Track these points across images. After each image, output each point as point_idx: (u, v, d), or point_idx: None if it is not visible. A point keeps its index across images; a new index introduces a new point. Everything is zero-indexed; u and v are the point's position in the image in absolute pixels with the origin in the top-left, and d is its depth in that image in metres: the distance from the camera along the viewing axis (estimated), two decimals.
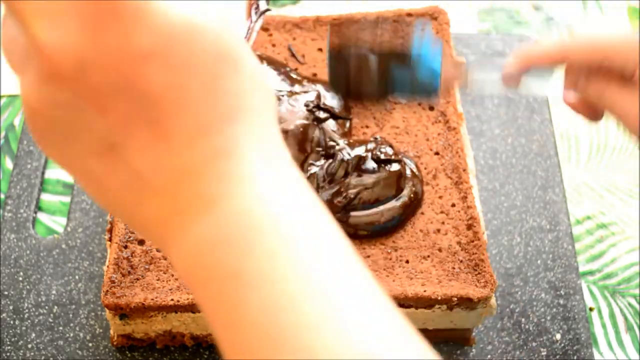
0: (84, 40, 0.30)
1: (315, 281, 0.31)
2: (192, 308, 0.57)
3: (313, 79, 0.67)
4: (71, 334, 0.62)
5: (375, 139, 0.63)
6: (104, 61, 0.30)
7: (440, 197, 0.62)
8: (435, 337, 0.61)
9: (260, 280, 0.31)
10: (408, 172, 0.62)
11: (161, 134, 0.31)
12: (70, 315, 0.62)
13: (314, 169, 0.62)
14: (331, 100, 0.65)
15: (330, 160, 0.62)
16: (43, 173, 0.71)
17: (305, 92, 0.65)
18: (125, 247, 0.59)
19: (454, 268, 0.58)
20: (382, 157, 0.61)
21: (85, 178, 0.34)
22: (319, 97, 0.65)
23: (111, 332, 0.61)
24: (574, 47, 0.53)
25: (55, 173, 0.72)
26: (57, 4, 0.30)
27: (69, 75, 0.30)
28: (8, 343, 0.61)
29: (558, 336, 0.63)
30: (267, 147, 0.33)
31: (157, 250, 0.59)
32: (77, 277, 0.64)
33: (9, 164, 0.72)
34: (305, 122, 0.63)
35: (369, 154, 0.62)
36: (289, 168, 0.34)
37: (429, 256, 0.59)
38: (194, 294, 0.33)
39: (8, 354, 0.60)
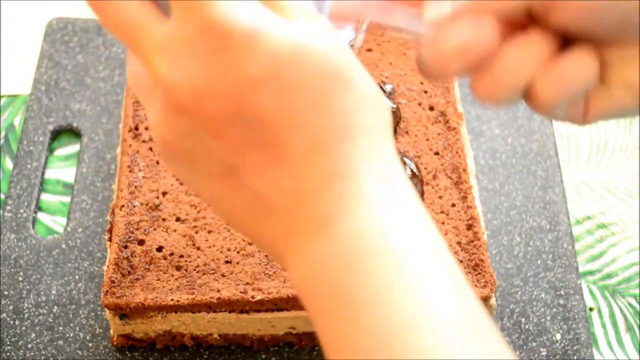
0: (198, 73, 0.32)
1: (428, 307, 0.31)
2: (192, 308, 0.57)
3: None
4: (71, 334, 0.62)
5: None
6: (216, 91, 0.32)
7: (440, 197, 0.62)
8: None
9: (374, 305, 0.31)
10: (408, 172, 0.62)
11: (276, 156, 0.33)
12: (70, 315, 0.62)
13: None
14: None
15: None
16: (43, 173, 0.71)
17: None
18: (125, 247, 0.59)
19: None
20: None
21: (211, 199, 0.36)
22: None
23: (111, 332, 0.61)
24: None
25: (55, 173, 0.72)
26: (173, 41, 0.32)
27: (187, 107, 0.32)
28: (8, 343, 0.61)
29: (558, 336, 0.63)
30: (381, 166, 0.34)
31: (157, 250, 0.59)
32: (77, 277, 0.64)
33: (9, 164, 0.72)
34: None
35: None
36: (404, 187, 0.35)
37: None
38: (309, 312, 0.34)
39: (8, 354, 0.60)
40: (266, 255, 0.58)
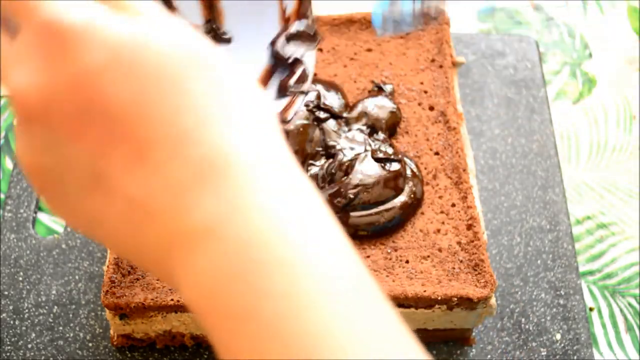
0: (42, 76, 0.30)
1: (335, 326, 0.29)
2: None
3: (313, 79, 0.67)
4: (71, 334, 0.62)
5: (377, 138, 0.63)
6: (61, 89, 0.30)
7: (440, 197, 0.62)
8: (435, 337, 0.61)
9: (277, 324, 0.28)
10: (408, 172, 0.62)
11: (138, 153, 0.30)
12: (70, 315, 0.62)
13: (314, 169, 0.62)
14: (331, 100, 0.65)
15: (330, 160, 0.62)
16: None
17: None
18: None
19: (454, 268, 0.58)
20: (382, 156, 0.62)
21: (88, 223, 0.32)
22: (319, 97, 0.65)
23: (111, 332, 0.61)
24: None
25: None
26: (19, 51, 0.30)
27: (37, 113, 0.30)
28: (8, 343, 0.61)
29: (558, 336, 0.63)
30: (261, 147, 0.31)
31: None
32: (77, 277, 0.64)
33: (9, 164, 0.72)
34: (305, 122, 0.63)
35: (369, 154, 0.62)
36: (288, 168, 0.31)
37: (429, 256, 0.59)
38: (206, 327, 0.31)
39: (8, 354, 0.60)
40: None
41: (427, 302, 0.57)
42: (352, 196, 0.60)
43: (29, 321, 0.62)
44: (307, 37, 0.52)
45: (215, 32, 0.52)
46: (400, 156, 0.62)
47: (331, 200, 0.60)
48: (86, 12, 0.30)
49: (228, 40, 0.52)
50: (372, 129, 0.64)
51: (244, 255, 0.29)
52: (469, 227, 0.60)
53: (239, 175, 0.30)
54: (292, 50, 0.51)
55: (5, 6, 0.31)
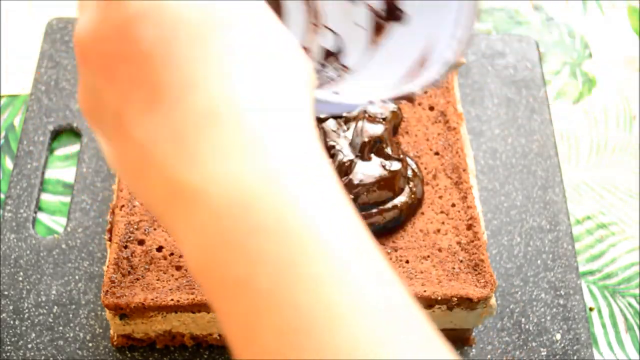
0: (94, 18, 0.32)
1: (348, 295, 0.27)
2: (192, 308, 0.57)
3: None
4: (71, 334, 0.62)
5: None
6: (105, 32, 0.31)
7: (440, 197, 0.62)
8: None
9: (276, 295, 0.27)
10: (409, 172, 0.62)
11: (154, 96, 0.30)
12: (70, 315, 0.62)
13: None
14: None
15: (330, 160, 0.62)
16: (43, 173, 0.71)
17: None
18: (125, 247, 0.59)
19: (454, 268, 0.58)
20: (384, 156, 0.62)
21: (119, 163, 0.33)
22: None
23: (111, 332, 0.61)
24: None
25: (55, 173, 0.72)
26: None
27: (84, 54, 0.32)
28: (8, 343, 0.61)
29: (558, 336, 0.63)
30: (281, 114, 0.29)
31: (157, 250, 0.59)
32: (77, 277, 0.64)
33: (9, 164, 0.72)
34: None
35: (369, 154, 0.61)
36: (312, 145, 0.29)
37: (429, 256, 0.59)
38: (204, 293, 0.30)
39: (8, 354, 0.60)
40: None
41: (427, 302, 0.57)
42: (352, 197, 0.60)
43: (29, 321, 0.62)
44: None
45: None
46: (401, 156, 0.62)
47: None
48: None
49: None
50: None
51: (242, 217, 0.27)
52: (469, 227, 0.60)
53: (248, 134, 0.28)
54: None
55: None
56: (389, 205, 0.60)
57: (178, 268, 0.58)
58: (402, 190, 0.61)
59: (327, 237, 0.27)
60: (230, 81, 0.29)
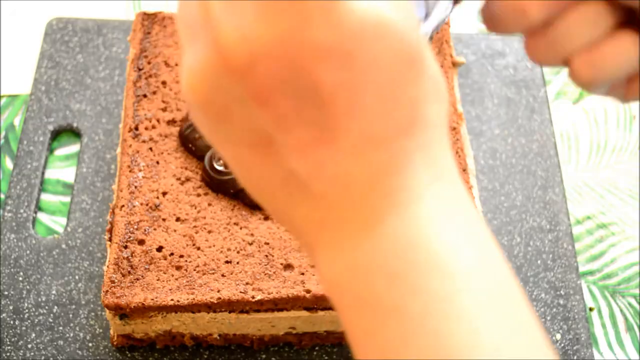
0: (261, 32, 0.28)
1: (482, 337, 0.28)
2: (192, 308, 0.57)
3: None
4: (71, 334, 0.62)
5: None
6: (276, 53, 0.28)
7: None
8: None
9: (421, 324, 0.28)
10: None
11: (326, 138, 0.29)
12: (70, 315, 0.62)
13: None
14: None
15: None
16: (43, 173, 0.71)
17: None
18: (125, 247, 0.59)
19: None
20: None
21: (235, 164, 0.32)
22: None
23: (111, 332, 0.61)
24: None
25: (55, 173, 0.72)
26: None
27: (239, 65, 0.28)
28: (8, 343, 0.61)
29: (558, 336, 0.63)
30: (439, 165, 0.30)
31: (157, 250, 0.59)
32: (77, 277, 0.64)
33: (9, 164, 0.72)
34: None
35: None
36: (460, 190, 0.31)
37: None
38: (340, 316, 0.31)
39: (8, 354, 0.60)
40: (266, 255, 0.58)
41: None
42: None
43: (29, 321, 0.62)
44: None
45: None
46: None
47: None
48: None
49: None
50: None
51: (398, 251, 0.29)
52: None
53: (412, 185, 0.29)
54: None
55: None
56: None
57: (178, 268, 0.58)
58: None
59: (470, 278, 0.29)
60: (411, 139, 0.29)
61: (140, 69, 0.67)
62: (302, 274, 0.58)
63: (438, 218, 0.30)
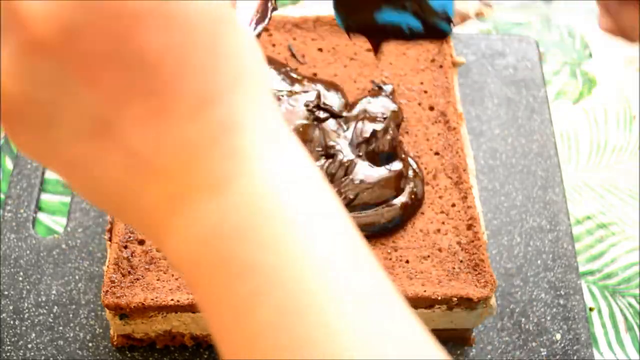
0: (70, 3, 0.27)
1: (333, 280, 0.29)
2: (192, 308, 0.57)
3: (313, 79, 0.67)
4: (71, 334, 0.62)
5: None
6: (94, 23, 0.27)
7: (440, 197, 0.62)
8: (435, 337, 0.61)
9: (277, 276, 0.28)
10: (410, 172, 0.62)
11: (161, 107, 0.28)
12: (70, 315, 0.62)
13: None
14: (331, 100, 0.65)
15: (330, 160, 0.62)
16: (43, 173, 0.71)
17: (305, 91, 0.65)
18: (125, 247, 0.59)
19: (454, 268, 0.58)
20: (385, 155, 0.62)
21: (72, 168, 0.30)
22: (319, 97, 0.65)
23: (111, 332, 0.61)
24: None
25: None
26: None
27: (53, 43, 0.27)
28: (8, 343, 0.61)
29: (558, 336, 0.63)
30: (270, 119, 0.30)
31: (157, 250, 0.59)
32: (77, 277, 0.64)
33: (9, 164, 0.72)
34: (305, 122, 0.63)
35: (371, 150, 0.61)
36: (294, 144, 0.31)
37: (429, 256, 0.59)
38: (194, 290, 0.30)
39: (8, 354, 0.60)
40: None
41: (427, 302, 0.57)
42: (352, 196, 0.60)
43: (29, 321, 0.62)
44: None
45: None
46: (403, 156, 0.62)
47: None
48: None
49: None
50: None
51: (247, 210, 0.29)
52: (469, 227, 0.60)
53: (251, 142, 0.29)
54: None
55: None
56: (389, 205, 0.60)
57: None
58: (402, 190, 0.61)
59: (315, 228, 0.30)
60: (241, 94, 0.29)
61: None
62: None
63: (281, 174, 0.30)
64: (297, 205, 0.29)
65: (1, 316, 0.62)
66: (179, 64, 0.28)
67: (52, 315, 0.62)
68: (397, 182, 0.61)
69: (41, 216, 0.69)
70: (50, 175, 0.72)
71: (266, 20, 0.46)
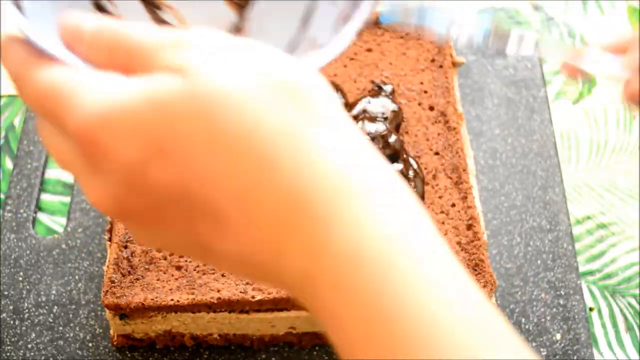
0: (98, 186, 0.31)
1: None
2: (192, 308, 0.57)
3: None
4: (71, 334, 0.62)
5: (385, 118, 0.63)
6: (119, 193, 0.30)
7: (440, 197, 0.62)
8: None
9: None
10: (410, 172, 0.62)
11: (217, 219, 0.30)
12: (70, 315, 0.62)
13: None
14: None
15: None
16: (43, 173, 0.71)
17: None
18: (125, 247, 0.59)
19: None
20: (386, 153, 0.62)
21: (201, 257, 0.34)
22: None
23: (111, 332, 0.61)
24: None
25: (55, 173, 0.72)
26: (72, 162, 0.31)
27: (121, 217, 0.32)
28: (8, 343, 0.61)
29: (558, 336, 0.63)
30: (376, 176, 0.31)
31: (157, 251, 0.59)
32: (77, 277, 0.64)
33: (9, 164, 0.72)
34: None
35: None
36: (405, 193, 0.32)
37: None
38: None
39: (8, 354, 0.60)
40: None
41: None
42: None
43: (29, 321, 0.62)
44: None
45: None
46: (404, 156, 0.62)
47: None
48: (105, 104, 0.29)
49: None
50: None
51: (371, 273, 0.29)
52: (469, 227, 0.60)
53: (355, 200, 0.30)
54: None
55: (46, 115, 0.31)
56: None
57: (178, 268, 0.58)
58: None
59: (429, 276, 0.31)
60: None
61: None
62: None
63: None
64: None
65: (1, 316, 0.62)
66: (189, 190, 0.30)
67: (52, 315, 0.62)
68: None
69: (41, 216, 0.69)
70: (50, 175, 0.72)
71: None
